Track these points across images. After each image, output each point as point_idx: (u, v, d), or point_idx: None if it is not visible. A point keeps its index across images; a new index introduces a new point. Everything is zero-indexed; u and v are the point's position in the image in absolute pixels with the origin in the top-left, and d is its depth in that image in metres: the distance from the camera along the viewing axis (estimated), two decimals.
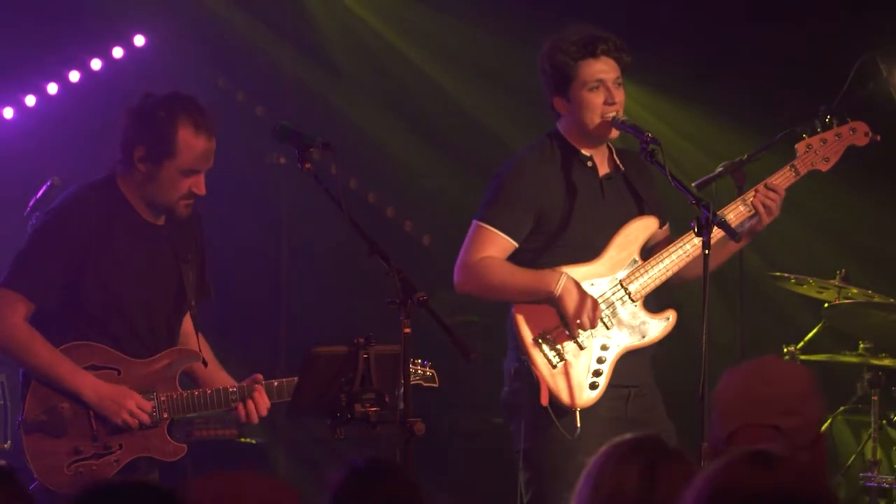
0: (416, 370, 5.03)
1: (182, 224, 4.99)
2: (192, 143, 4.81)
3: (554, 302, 5.11)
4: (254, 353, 7.58)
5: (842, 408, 7.06)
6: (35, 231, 4.93)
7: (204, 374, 4.98)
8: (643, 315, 5.23)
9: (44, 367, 4.74)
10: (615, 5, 7.41)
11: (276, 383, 4.92)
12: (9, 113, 7.72)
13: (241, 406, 4.87)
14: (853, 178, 5.63)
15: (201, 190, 4.85)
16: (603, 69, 5.18)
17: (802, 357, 6.90)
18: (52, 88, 7.82)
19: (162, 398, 4.82)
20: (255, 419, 4.91)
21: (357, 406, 4.54)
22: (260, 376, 4.93)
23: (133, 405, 4.75)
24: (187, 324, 5.08)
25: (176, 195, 4.83)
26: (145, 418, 4.77)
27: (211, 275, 5.18)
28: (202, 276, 5.08)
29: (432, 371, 5.10)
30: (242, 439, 7.51)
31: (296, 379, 4.84)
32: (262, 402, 4.88)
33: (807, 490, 2.34)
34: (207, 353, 5.03)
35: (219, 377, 4.99)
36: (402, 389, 4.36)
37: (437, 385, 5.09)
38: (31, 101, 7.78)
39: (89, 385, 4.74)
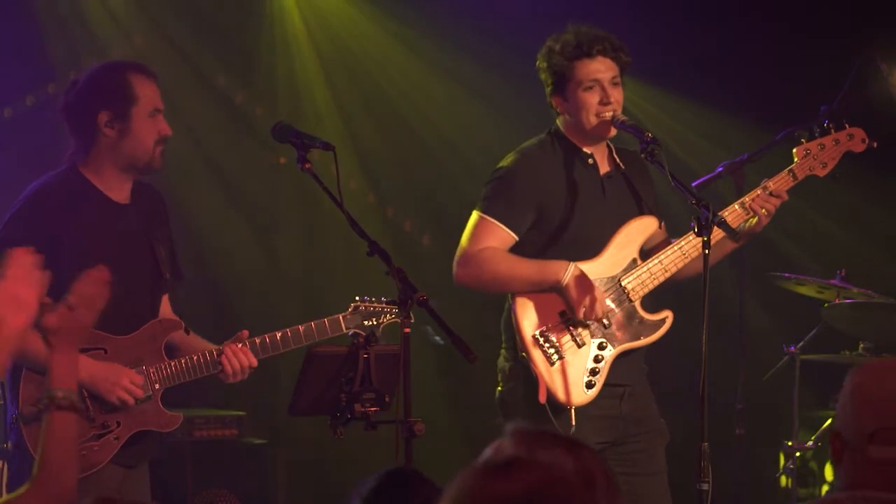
0: (390, 307, 5.04)
1: (146, 203, 5.06)
2: (146, 84, 4.97)
3: (561, 290, 5.11)
4: None
5: None
6: (6, 222, 4.95)
7: (187, 344, 5.00)
8: (641, 315, 5.23)
9: (33, 353, 4.75)
10: (619, 5, 7.42)
11: (258, 340, 4.94)
12: (8, 113, 7.72)
13: (227, 364, 4.89)
14: (853, 178, 5.62)
15: (168, 129, 4.97)
16: (599, 69, 5.18)
17: (802, 357, 6.90)
18: (51, 88, 7.81)
19: (151, 370, 4.86)
20: (241, 374, 4.92)
21: (357, 406, 4.55)
22: (245, 332, 4.95)
23: (127, 382, 4.79)
24: (165, 306, 5.11)
25: (151, 141, 4.92)
26: (139, 393, 4.80)
27: (181, 256, 5.25)
28: (173, 257, 5.12)
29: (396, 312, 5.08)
30: (242, 439, 7.51)
31: (278, 334, 4.91)
32: (244, 358, 4.90)
33: (553, 489, 2.11)
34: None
35: (201, 345, 5.00)
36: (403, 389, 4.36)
37: (412, 321, 5.06)
38: (30, 101, 7.78)
39: (82, 366, 4.75)
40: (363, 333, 4.87)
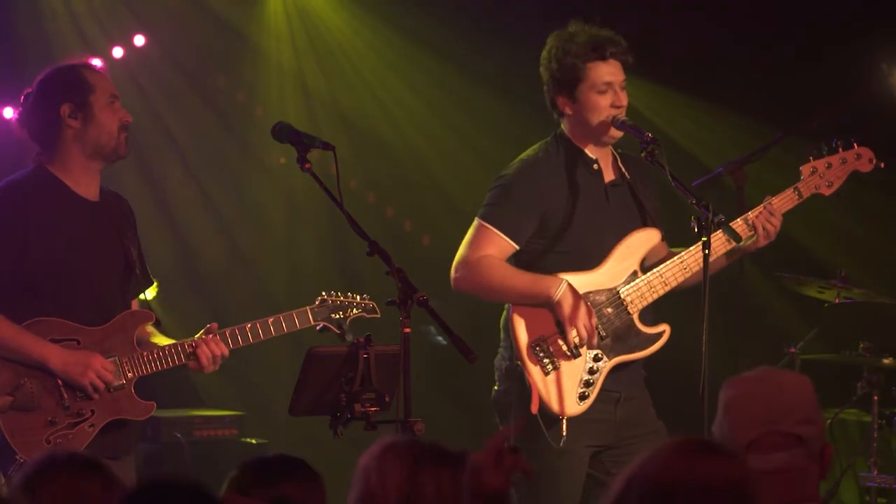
0: (356, 301, 5.07)
1: (116, 206, 5.12)
2: (97, 75, 5.09)
3: (552, 307, 5.09)
4: (251, 352, 7.57)
5: (842, 408, 7.05)
6: None
7: (156, 342, 5.03)
8: (638, 328, 5.20)
9: (6, 341, 4.81)
10: (619, 5, 7.42)
11: (227, 332, 4.98)
12: (9, 113, 7.73)
13: (201, 354, 4.92)
14: (853, 178, 5.63)
15: (128, 116, 5.07)
16: (612, 72, 5.16)
17: (802, 357, 6.90)
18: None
19: (123, 360, 4.90)
20: (212, 365, 4.96)
21: (357, 406, 4.55)
22: (214, 325, 5.01)
23: (98, 365, 4.84)
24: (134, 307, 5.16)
25: (115, 125, 5.01)
26: (110, 377, 4.85)
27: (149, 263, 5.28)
28: (142, 261, 5.15)
29: (372, 303, 5.11)
30: (242, 439, 7.51)
31: (248, 325, 4.98)
32: (216, 348, 4.94)
33: (746, 478, 2.35)
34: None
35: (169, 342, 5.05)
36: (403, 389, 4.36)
37: (378, 315, 5.10)
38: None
39: (54, 353, 4.82)
40: (332, 326, 4.92)
